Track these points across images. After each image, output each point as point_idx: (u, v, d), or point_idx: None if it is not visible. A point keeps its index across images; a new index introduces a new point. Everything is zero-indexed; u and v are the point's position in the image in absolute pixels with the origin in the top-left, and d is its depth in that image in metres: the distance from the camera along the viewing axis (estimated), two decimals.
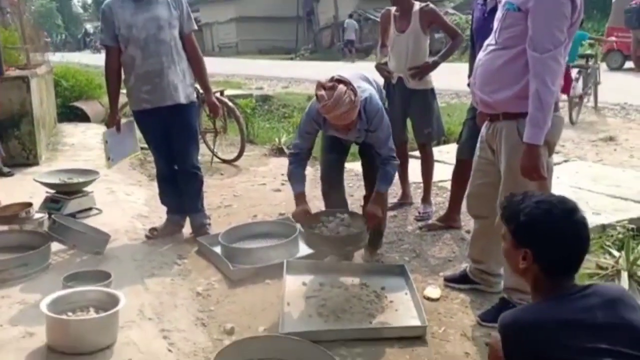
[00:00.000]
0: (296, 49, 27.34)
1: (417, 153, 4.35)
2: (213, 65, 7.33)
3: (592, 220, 3.73)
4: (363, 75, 3.18)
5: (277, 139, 6.55)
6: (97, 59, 12.58)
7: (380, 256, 3.37)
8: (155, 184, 3.94)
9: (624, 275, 2.91)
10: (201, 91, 3.78)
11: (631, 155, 5.83)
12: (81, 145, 6.48)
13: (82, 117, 8.19)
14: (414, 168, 4.30)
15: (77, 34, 46.84)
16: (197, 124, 3.81)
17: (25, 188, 4.42)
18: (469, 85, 2.93)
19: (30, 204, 3.66)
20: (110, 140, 3.60)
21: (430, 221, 3.91)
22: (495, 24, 2.48)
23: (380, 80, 3.72)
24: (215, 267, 3.24)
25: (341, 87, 2.68)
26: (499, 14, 2.46)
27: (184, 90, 3.43)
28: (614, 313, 1.40)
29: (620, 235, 3.48)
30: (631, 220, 3.68)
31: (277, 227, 3.73)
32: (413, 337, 2.49)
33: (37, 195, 4.02)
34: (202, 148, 6.15)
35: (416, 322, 2.57)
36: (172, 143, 3.51)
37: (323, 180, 3.30)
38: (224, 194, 4.79)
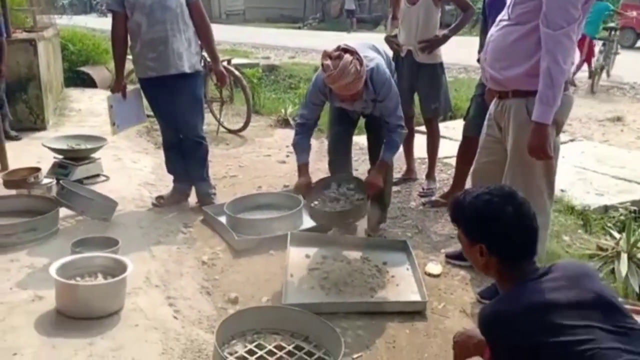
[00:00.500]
0: (304, 18, 26.92)
1: (422, 128, 4.33)
2: (220, 32, 7.25)
3: (595, 201, 3.75)
4: (372, 45, 3.14)
5: (283, 110, 6.53)
6: (103, 23, 12.46)
7: (383, 231, 3.40)
8: (161, 152, 3.96)
9: (624, 257, 2.93)
10: (208, 59, 3.75)
11: (638, 136, 5.81)
12: (88, 111, 6.48)
13: (88, 82, 8.15)
14: (420, 143, 4.30)
15: None
16: (203, 94, 3.79)
17: (33, 152, 4.45)
18: (478, 60, 2.90)
19: (38, 169, 3.70)
20: (115, 105, 3.60)
21: (433, 198, 3.93)
22: None
23: (390, 53, 3.69)
24: (220, 237, 3.28)
25: (347, 57, 2.65)
26: None
27: (188, 59, 3.41)
28: (582, 288, 1.42)
29: (622, 217, 3.50)
30: (634, 202, 3.70)
31: (281, 198, 3.76)
32: (413, 312, 2.54)
33: (45, 160, 4.05)
34: (209, 117, 6.16)
35: (417, 298, 2.62)
36: (177, 112, 3.50)
37: (330, 152, 3.30)
38: (229, 164, 4.81)
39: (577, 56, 8.30)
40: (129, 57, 3.57)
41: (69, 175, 3.84)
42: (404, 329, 2.43)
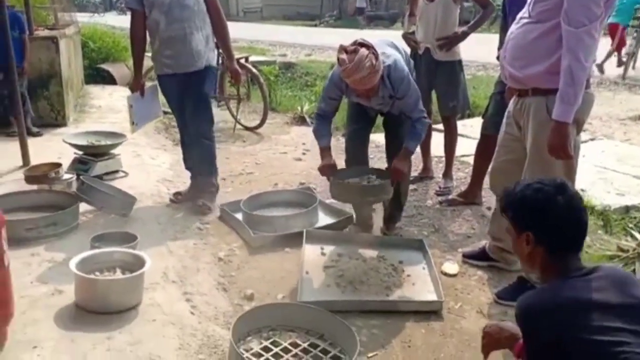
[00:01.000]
0: (320, 15, 26.88)
1: (440, 126, 4.30)
2: (238, 30, 7.29)
3: (616, 201, 3.69)
4: (391, 42, 3.13)
5: (299, 108, 6.54)
6: (122, 21, 12.59)
7: (399, 230, 3.38)
8: (179, 148, 3.98)
9: None
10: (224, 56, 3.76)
11: None
12: (108, 107, 6.56)
13: (108, 79, 8.26)
14: (437, 142, 4.26)
15: None
16: (211, 90, 3.77)
17: (54, 148, 4.51)
18: (498, 58, 2.87)
19: (59, 165, 3.75)
20: (134, 104, 3.64)
21: (450, 196, 3.90)
22: None
23: (408, 50, 3.66)
24: (236, 233, 3.30)
25: (363, 51, 2.64)
26: None
27: (205, 55, 3.43)
28: (626, 293, 1.42)
29: None
30: None
31: (297, 196, 3.77)
32: (429, 312, 2.53)
33: (65, 156, 4.11)
34: (225, 114, 6.21)
35: (433, 297, 2.60)
36: (186, 108, 3.52)
37: (347, 150, 3.30)
38: (246, 161, 4.83)
39: (608, 44, 8.11)
40: (148, 54, 3.61)
41: (89, 171, 3.89)
42: (419, 328, 2.42)
